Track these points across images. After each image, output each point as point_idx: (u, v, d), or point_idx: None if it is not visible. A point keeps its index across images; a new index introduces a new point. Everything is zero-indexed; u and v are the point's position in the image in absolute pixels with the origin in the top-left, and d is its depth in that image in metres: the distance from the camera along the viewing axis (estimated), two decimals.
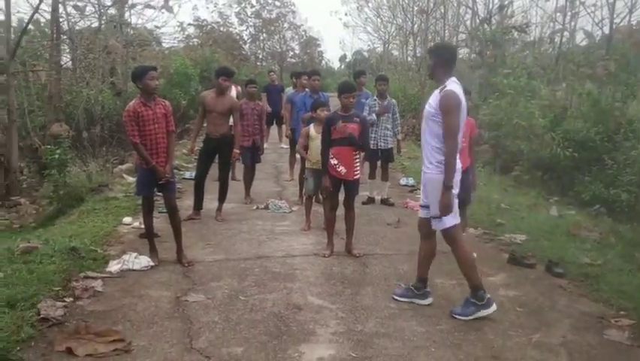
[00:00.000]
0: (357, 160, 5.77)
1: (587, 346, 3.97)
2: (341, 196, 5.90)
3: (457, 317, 4.30)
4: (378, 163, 8.33)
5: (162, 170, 5.23)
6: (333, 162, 5.74)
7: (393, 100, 8.52)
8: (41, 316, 3.97)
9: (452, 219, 4.34)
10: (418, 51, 26.17)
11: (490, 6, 19.83)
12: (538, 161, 12.28)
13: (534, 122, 11.29)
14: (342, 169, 5.73)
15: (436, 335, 4.04)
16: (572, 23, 17.16)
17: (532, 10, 20.09)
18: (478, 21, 20.48)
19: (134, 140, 5.18)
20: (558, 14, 18.86)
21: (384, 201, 8.45)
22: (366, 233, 6.68)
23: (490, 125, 12.57)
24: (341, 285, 5.01)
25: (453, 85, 4.20)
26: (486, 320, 4.30)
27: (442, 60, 4.31)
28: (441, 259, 5.76)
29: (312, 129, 6.59)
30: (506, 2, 19.68)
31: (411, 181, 10.23)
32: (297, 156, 9.05)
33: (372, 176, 8.35)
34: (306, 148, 6.73)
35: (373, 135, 7.89)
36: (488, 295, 4.32)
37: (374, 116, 7.90)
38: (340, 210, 5.97)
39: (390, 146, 8.28)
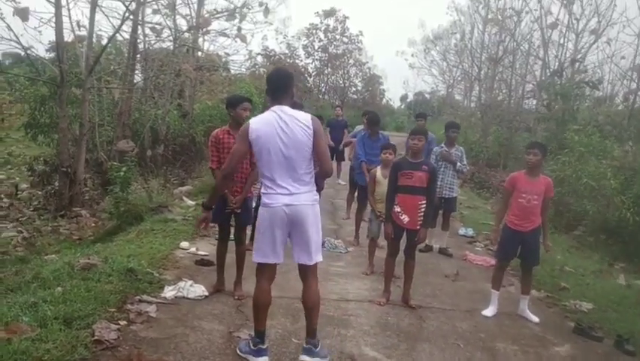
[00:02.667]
0: (422, 209, 5.61)
1: None
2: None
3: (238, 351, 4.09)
4: (440, 212, 8.13)
5: (231, 198, 5.21)
6: (397, 209, 5.60)
7: (461, 147, 8.35)
8: (96, 338, 3.95)
9: (256, 255, 3.93)
10: (482, 98, 25.87)
11: (562, 59, 19.50)
12: (603, 223, 11.77)
13: (604, 183, 10.85)
14: (404, 217, 5.58)
15: None
16: None
17: (605, 66, 19.48)
18: (548, 73, 20.13)
19: (210, 165, 5.41)
20: (633, 72, 18.35)
21: (443, 251, 8.22)
22: (422, 284, 6.46)
23: (554, 182, 12.16)
24: (396, 337, 4.82)
25: (262, 115, 3.92)
26: None
27: (268, 88, 4.01)
28: (503, 320, 5.55)
29: (379, 173, 6.48)
30: (579, 56, 19.31)
31: (470, 232, 9.96)
32: (355, 195, 8.97)
33: (432, 225, 8.14)
34: (372, 191, 6.63)
35: (439, 183, 7.71)
36: (263, 347, 3.95)
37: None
38: (399, 257, 5.82)
39: (454, 195, 8.10)
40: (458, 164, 8.01)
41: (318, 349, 4.00)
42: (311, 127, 3.76)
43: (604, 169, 11.20)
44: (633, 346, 5.14)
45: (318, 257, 3.96)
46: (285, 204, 3.75)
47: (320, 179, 3.98)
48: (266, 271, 3.95)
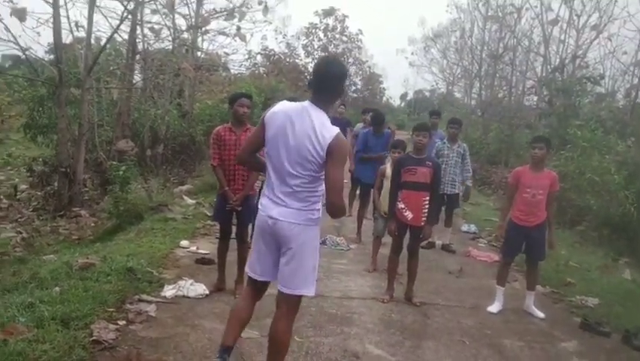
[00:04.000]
0: (426, 206, 5.52)
1: None
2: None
3: None
4: (443, 208, 8.04)
5: (231, 195, 5.12)
6: (401, 206, 5.52)
7: (465, 144, 8.27)
8: (94, 338, 3.87)
9: (247, 264, 3.54)
10: (483, 95, 25.79)
11: (563, 55, 19.42)
12: (607, 218, 11.69)
13: (608, 178, 10.77)
14: (408, 214, 5.50)
15: None
16: None
17: (606, 61, 19.41)
18: (549, 69, 20.04)
19: (212, 162, 5.27)
20: (635, 68, 18.29)
21: (446, 248, 8.14)
22: (426, 280, 6.37)
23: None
24: (401, 335, 4.74)
25: (292, 103, 3.31)
26: None
27: (311, 79, 3.33)
28: (508, 316, 5.47)
29: (388, 169, 6.37)
30: (580, 52, 19.22)
31: (473, 228, 9.88)
32: (357, 192, 8.89)
33: (435, 221, 8.05)
34: (380, 187, 6.52)
35: (442, 180, 7.64)
36: None
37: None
38: (402, 254, 5.74)
39: (457, 191, 8.04)
40: (468, 182, 8.23)
41: None
42: (325, 144, 3.00)
43: (607, 164, 11.15)
44: None
45: (303, 289, 3.22)
46: (269, 215, 3.17)
47: (329, 214, 3.14)
48: (249, 284, 3.43)
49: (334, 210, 3.06)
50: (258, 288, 3.40)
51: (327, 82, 3.17)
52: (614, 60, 18.85)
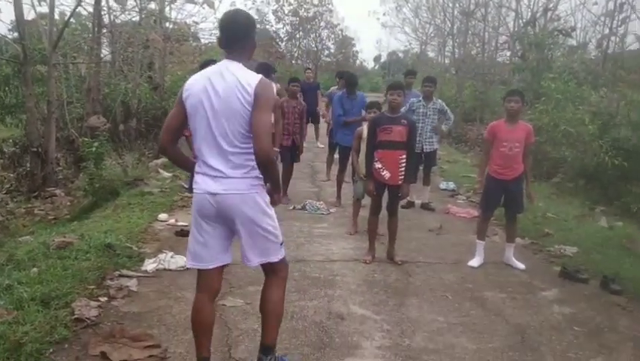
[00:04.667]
0: (403, 164, 5.50)
1: None
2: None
3: None
4: (421, 167, 8.06)
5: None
6: (378, 165, 5.50)
7: (440, 100, 8.26)
8: (75, 316, 3.83)
9: (187, 258, 3.13)
10: (456, 53, 25.70)
11: (535, 8, 19.34)
12: (582, 169, 11.82)
13: (582, 129, 10.85)
14: (386, 173, 5.48)
15: (489, 353, 3.77)
16: (622, 27, 16.52)
17: (577, 13, 19.41)
18: (521, 23, 19.98)
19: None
20: (606, 18, 18.29)
21: (425, 206, 8.18)
22: (407, 239, 6.40)
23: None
24: (384, 294, 4.77)
25: (204, 69, 3.05)
26: (542, 338, 4.02)
27: (218, 36, 3.03)
28: (489, 270, 5.54)
29: (365, 131, 6.32)
30: (551, 5, 19.17)
31: (451, 185, 9.95)
32: (335, 155, 8.86)
33: (413, 180, 8.07)
34: (357, 150, 6.47)
35: (418, 138, 7.64)
36: None
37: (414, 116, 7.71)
38: (382, 214, 5.75)
39: (435, 147, 8.06)
40: (443, 126, 8.11)
41: None
42: (252, 92, 2.77)
43: (581, 115, 11.21)
44: (619, 285, 5.16)
45: (273, 255, 3.04)
46: (209, 192, 2.85)
47: (258, 165, 2.83)
48: (201, 279, 3.04)
49: (263, 158, 2.75)
50: (212, 279, 3.04)
51: (235, 33, 2.91)
52: (585, 11, 18.78)
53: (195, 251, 2.99)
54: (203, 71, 2.97)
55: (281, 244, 3.09)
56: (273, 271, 3.13)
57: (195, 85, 2.90)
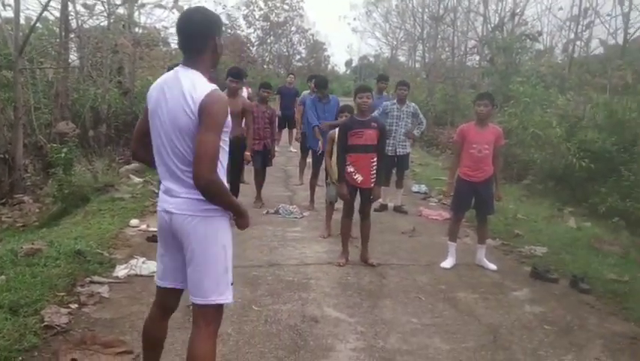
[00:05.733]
0: (374, 167, 5.54)
1: None
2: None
3: None
4: (394, 170, 8.12)
5: None
6: (350, 169, 5.52)
7: (413, 104, 8.35)
8: (45, 323, 3.77)
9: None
10: (426, 57, 25.97)
11: (502, 13, 19.66)
12: (551, 171, 12.03)
13: (550, 131, 11.05)
14: (358, 177, 5.51)
15: (462, 353, 3.81)
16: (586, 32, 16.91)
17: (544, 18, 19.84)
18: (489, 28, 20.29)
19: None
20: (571, 23, 18.68)
21: (398, 209, 8.24)
22: (380, 242, 6.45)
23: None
24: (358, 296, 4.79)
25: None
26: (513, 337, 4.08)
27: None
28: (461, 271, 5.60)
29: (337, 135, 6.33)
30: (518, 10, 19.51)
31: (423, 188, 10.04)
32: (308, 160, 8.86)
33: (386, 183, 8.13)
34: (330, 153, 6.47)
35: (392, 141, 7.75)
36: None
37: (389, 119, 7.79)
38: (355, 218, 5.78)
39: (408, 151, 8.13)
40: (415, 131, 8.24)
41: None
42: (196, 104, 2.41)
43: (549, 118, 11.43)
44: (588, 284, 5.26)
45: (213, 295, 2.56)
46: (165, 210, 2.59)
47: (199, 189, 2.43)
48: (157, 294, 2.86)
49: (201, 185, 2.38)
50: (166, 297, 2.81)
51: (191, 35, 2.55)
52: (551, 16, 19.24)
53: (157, 267, 2.83)
54: (161, 78, 2.67)
55: (230, 285, 2.64)
56: (206, 316, 2.59)
57: (153, 93, 2.61)
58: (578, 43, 17.05)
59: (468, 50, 23.20)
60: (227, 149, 2.60)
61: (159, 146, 2.57)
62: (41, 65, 12.72)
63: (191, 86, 2.44)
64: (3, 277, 4.43)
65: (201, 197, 2.47)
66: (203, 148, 2.36)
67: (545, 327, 4.34)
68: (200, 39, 2.56)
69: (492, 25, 20.01)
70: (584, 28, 16.57)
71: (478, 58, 21.29)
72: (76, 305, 4.22)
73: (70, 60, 13.68)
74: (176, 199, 2.54)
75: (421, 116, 8.21)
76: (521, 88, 12.44)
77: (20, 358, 3.33)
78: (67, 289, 4.45)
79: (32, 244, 5.30)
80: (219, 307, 2.63)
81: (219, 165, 2.50)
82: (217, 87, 2.50)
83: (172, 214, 2.55)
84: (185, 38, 2.57)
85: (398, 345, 3.88)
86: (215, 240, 2.55)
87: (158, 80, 2.65)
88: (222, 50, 2.69)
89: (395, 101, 8.06)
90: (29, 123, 11.34)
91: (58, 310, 3.99)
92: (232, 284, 2.65)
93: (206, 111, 2.40)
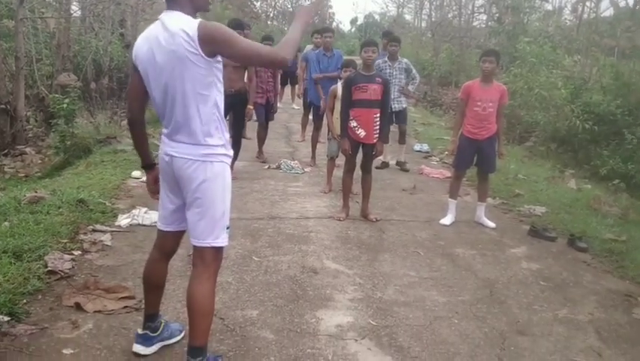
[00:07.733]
0: (377, 122, 5.52)
1: (616, 324, 3.80)
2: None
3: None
4: (392, 128, 8.10)
5: None
6: (353, 124, 5.51)
7: (405, 59, 8.23)
8: (49, 268, 3.81)
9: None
10: (433, 16, 25.59)
11: None
12: (554, 133, 12.02)
13: (555, 93, 10.99)
14: (361, 132, 5.50)
15: (458, 306, 3.87)
16: None
17: None
18: None
19: None
20: None
21: (400, 165, 8.25)
22: (381, 198, 6.48)
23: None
24: (357, 250, 4.84)
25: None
26: (509, 292, 4.14)
27: None
28: (460, 228, 5.65)
29: (340, 89, 6.27)
30: None
31: (425, 147, 10.03)
32: (310, 116, 8.83)
33: (385, 140, 8.11)
34: (332, 109, 6.41)
35: None
36: (140, 332, 3.00)
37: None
38: (356, 174, 5.80)
39: (404, 106, 8.08)
40: (410, 87, 8.10)
41: None
42: (195, 36, 2.36)
43: (554, 79, 11.34)
44: (585, 243, 5.31)
45: (208, 238, 2.60)
46: (165, 152, 2.62)
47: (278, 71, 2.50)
48: (158, 238, 2.93)
49: (286, 62, 2.42)
50: (166, 240, 2.89)
51: None
52: None
53: (159, 209, 2.87)
54: (144, 32, 2.59)
55: (226, 229, 2.67)
56: (204, 260, 2.65)
57: (140, 47, 2.54)
58: (588, 4, 16.79)
59: (475, 9, 22.89)
60: (221, 89, 2.59)
61: (160, 95, 2.54)
62: (43, 15, 12.56)
63: (180, 24, 2.40)
64: (6, 223, 4.47)
65: (203, 143, 2.52)
66: (249, 54, 2.42)
67: (541, 283, 4.39)
68: None
69: None
70: None
71: (485, 17, 21.02)
72: (79, 252, 4.26)
73: (71, 11, 13.52)
74: (178, 144, 2.56)
75: (414, 71, 8.11)
76: (528, 47, 12.31)
77: (25, 300, 3.39)
78: (70, 236, 4.48)
79: (35, 192, 5.33)
80: (218, 250, 2.67)
81: (216, 108, 2.54)
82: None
83: (173, 157, 2.58)
84: None
85: (395, 297, 3.94)
86: (214, 184, 2.57)
87: (143, 35, 2.59)
88: None
89: (386, 58, 7.96)
90: (31, 74, 11.28)
91: (62, 257, 4.04)
92: (228, 228, 2.67)
93: (213, 37, 2.38)
